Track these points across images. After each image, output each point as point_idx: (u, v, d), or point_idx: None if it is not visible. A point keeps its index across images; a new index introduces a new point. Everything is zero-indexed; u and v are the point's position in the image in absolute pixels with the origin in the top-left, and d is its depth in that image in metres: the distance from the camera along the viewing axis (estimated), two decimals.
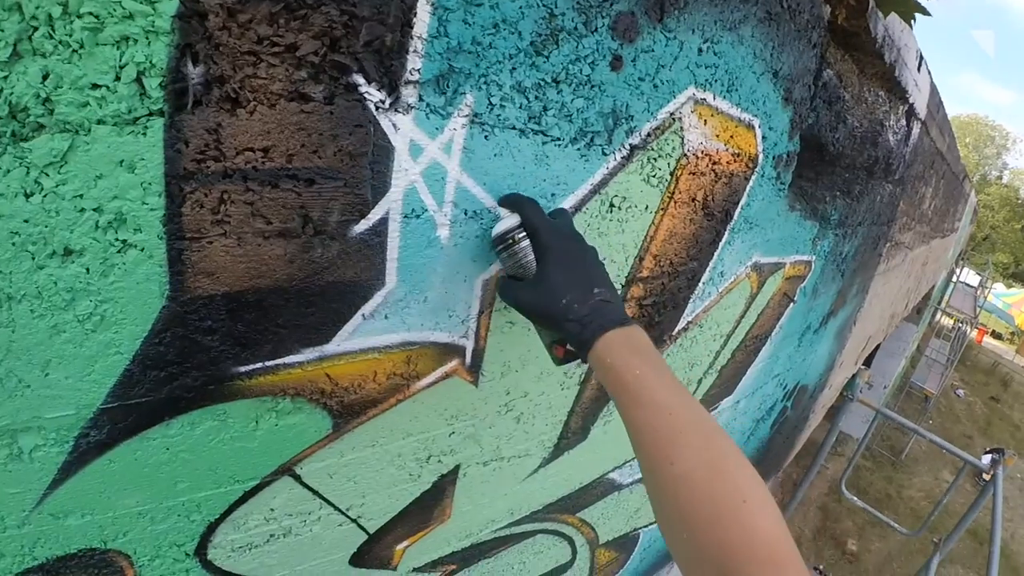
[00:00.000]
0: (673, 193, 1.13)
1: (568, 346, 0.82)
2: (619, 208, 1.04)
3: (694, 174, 1.15)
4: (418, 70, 0.66)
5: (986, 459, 3.76)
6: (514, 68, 0.75)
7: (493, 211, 0.83)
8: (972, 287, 18.23)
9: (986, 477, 3.65)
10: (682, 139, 1.07)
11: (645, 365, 0.70)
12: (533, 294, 0.78)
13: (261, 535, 0.91)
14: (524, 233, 0.78)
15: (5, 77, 0.45)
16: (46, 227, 0.52)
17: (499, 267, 0.90)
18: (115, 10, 0.47)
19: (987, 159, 43.05)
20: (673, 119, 1.02)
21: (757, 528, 0.56)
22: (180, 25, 0.50)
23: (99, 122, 0.51)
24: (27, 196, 0.50)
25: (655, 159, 1.04)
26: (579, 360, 0.79)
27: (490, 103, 0.75)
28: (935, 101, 2.76)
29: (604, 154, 0.94)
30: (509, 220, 0.79)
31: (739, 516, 0.56)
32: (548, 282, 0.76)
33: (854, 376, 3.94)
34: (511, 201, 0.81)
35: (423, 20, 0.64)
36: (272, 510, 0.89)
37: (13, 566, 0.69)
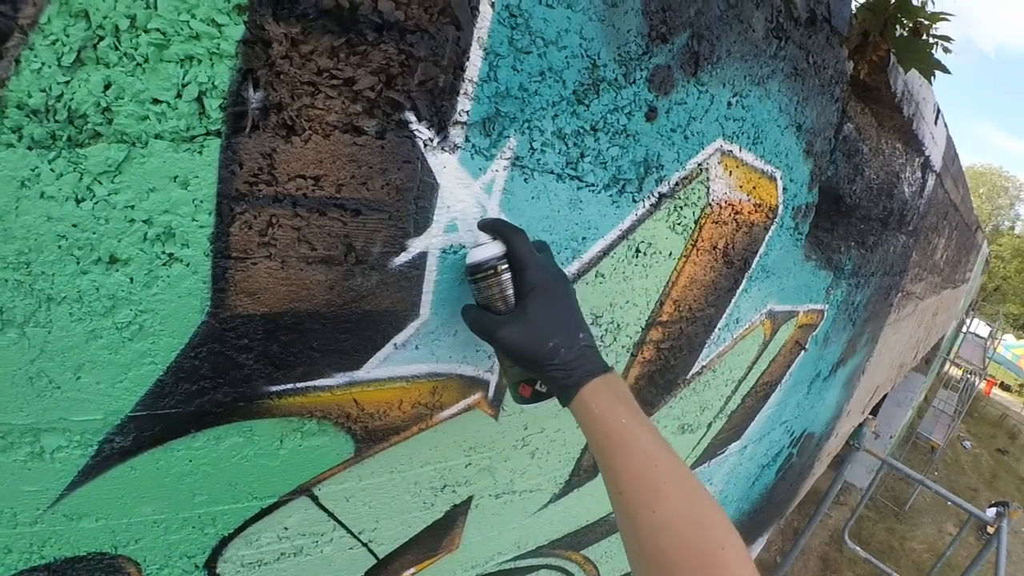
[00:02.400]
0: (696, 241, 1.15)
1: (537, 386, 0.79)
2: (644, 254, 1.06)
3: (717, 223, 1.17)
4: (467, 112, 0.69)
5: (991, 512, 3.71)
6: (556, 115, 0.78)
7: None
8: (982, 338, 18.06)
9: (990, 531, 3.60)
10: (708, 189, 1.09)
11: (630, 414, 0.70)
12: (516, 332, 0.72)
13: (272, 552, 0.91)
14: (507, 264, 0.73)
15: (67, 82, 0.47)
16: (94, 234, 0.53)
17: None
18: (182, 29, 0.49)
19: (1000, 209, 42.98)
20: (701, 169, 1.04)
21: (734, 574, 0.58)
22: (244, 50, 0.52)
23: (157, 136, 0.52)
24: (78, 201, 0.51)
25: (681, 207, 1.06)
26: (542, 402, 0.78)
27: (531, 147, 0.78)
28: (950, 153, 2.78)
29: (634, 201, 0.97)
30: (490, 248, 0.72)
31: (717, 564, 0.58)
32: (533, 321, 0.72)
33: (861, 425, 3.90)
34: (495, 227, 0.75)
35: (475, 64, 0.67)
36: (286, 528, 0.90)
37: (20, 563, 0.69)
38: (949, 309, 7.94)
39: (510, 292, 0.74)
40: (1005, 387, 27.98)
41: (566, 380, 0.72)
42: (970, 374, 13.96)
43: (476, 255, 0.73)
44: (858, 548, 4.51)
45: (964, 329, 15.09)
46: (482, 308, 0.76)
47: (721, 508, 0.65)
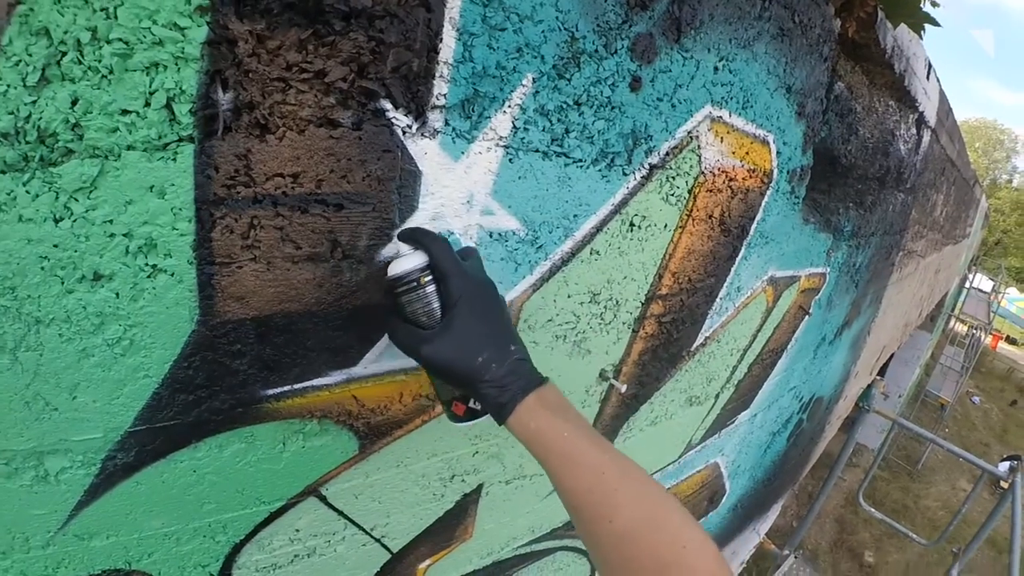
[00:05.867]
0: (691, 211, 1.13)
1: (471, 403, 0.75)
2: (639, 227, 1.04)
3: (711, 191, 1.16)
4: (444, 95, 0.67)
5: (1003, 467, 3.71)
6: (537, 91, 0.76)
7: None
8: (985, 292, 18.03)
9: (1003, 485, 3.61)
10: (699, 157, 1.07)
11: (569, 426, 0.67)
12: (442, 348, 0.67)
13: (286, 555, 0.91)
14: (431, 276, 0.68)
15: (33, 102, 0.45)
16: (75, 252, 0.52)
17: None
18: (145, 36, 0.47)
19: (997, 163, 42.72)
20: (691, 138, 1.02)
21: (699, 570, 0.58)
22: (210, 51, 0.51)
23: (129, 148, 0.51)
24: (56, 221, 0.50)
25: (673, 178, 1.04)
26: (479, 420, 0.75)
27: (514, 126, 0.76)
28: (944, 108, 2.75)
29: (624, 174, 0.95)
30: (412, 259, 0.68)
31: (681, 562, 0.59)
32: (460, 336, 0.68)
33: (869, 387, 3.90)
34: (414, 236, 0.70)
35: (449, 45, 0.65)
36: (297, 531, 0.89)
37: None
38: (951, 265, 7.92)
39: (436, 305, 0.69)
40: (1011, 340, 28.08)
41: (500, 398, 0.68)
42: (975, 329, 13.96)
43: (396, 267, 0.68)
44: (873, 510, 4.54)
45: (967, 285, 15.06)
46: (407, 323, 0.70)
47: (677, 504, 0.64)
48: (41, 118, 0.46)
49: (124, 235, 0.54)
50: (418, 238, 0.69)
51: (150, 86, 0.50)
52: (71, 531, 0.67)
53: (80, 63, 0.46)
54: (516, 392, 0.68)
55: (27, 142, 0.47)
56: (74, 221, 0.51)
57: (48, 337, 0.55)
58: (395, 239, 0.72)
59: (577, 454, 0.66)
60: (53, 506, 0.64)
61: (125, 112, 0.49)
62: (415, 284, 0.68)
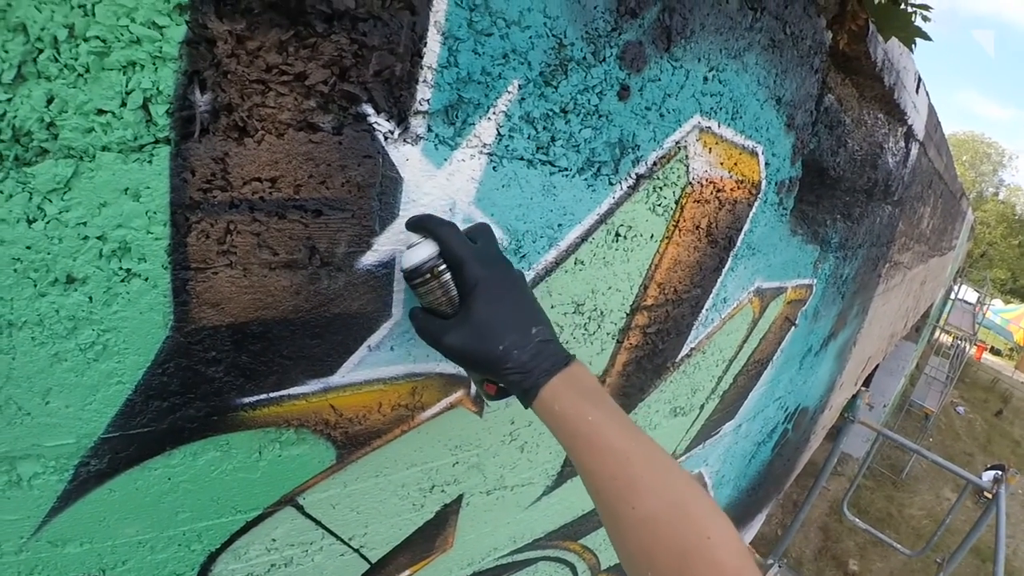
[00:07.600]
0: (678, 221, 1.13)
1: (501, 383, 0.74)
2: (625, 237, 1.03)
3: (699, 202, 1.15)
4: (427, 100, 0.66)
5: (987, 476, 3.73)
6: (523, 98, 0.75)
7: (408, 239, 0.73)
8: (970, 304, 18.24)
9: (987, 495, 3.62)
10: (687, 167, 1.07)
11: (596, 410, 0.66)
12: (463, 338, 0.67)
13: (262, 565, 0.89)
14: (445, 264, 0.67)
15: (9, 100, 0.44)
16: (48, 254, 0.51)
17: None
18: (122, 35, 0.46)
19: (984, 176, 43.32)
20: (679, 148, 1.02)
21: (722, 563, 0.56)
22: (188, 51, 0.50)
23: (104, 148, 0.50)
24: (30, 222, 0.49)
25: (661, 188, 1.04)
26: (513, 396, 0.73)
27: (499, 134, 0.75)
28: (933, 121, 2.77)
29: (611, 184, 0.94)
30: (422, 249, 0.66)
31: (704, 553, 0.57)
32: (479, 325, 0.67)
33: (855, 397, 3.92)
34: (423, 224, 0.68)
35: (433, 50, 0.64)
36: (274, 540, 0.88)
37: None
38: (937, 277, 8.01)
39: (453, 293, 0.68)
40: (995, 351, 28.41)
41: (524, 383, 0.67)
42: (960, 340, 14.10)
43: (409, 258, 0.67)
44: (857, 520, 4.55)
45: (952, 296, 15.23)
46: (428, 312, 0.70)
47: (704, 493, 0.63)
48: (16, 116, 0.45)
49: (98, 238, 0.53)
50: (426, 225, 0.68)
51: (127, 86, 0.48)
52: (44, 537, 0.66)
53: (56, 60, 0.45)
54: (539, 375, 0.67)
55: (2, 141, 0.46)
56: (47, 223, 0.50)
57: (21, 340, 0.53)
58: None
59: (601, 438, 0.64)
60: (26, 512, 0.63)
61: (101, 112, 0.48)
62: (429, 275, 0.67)
